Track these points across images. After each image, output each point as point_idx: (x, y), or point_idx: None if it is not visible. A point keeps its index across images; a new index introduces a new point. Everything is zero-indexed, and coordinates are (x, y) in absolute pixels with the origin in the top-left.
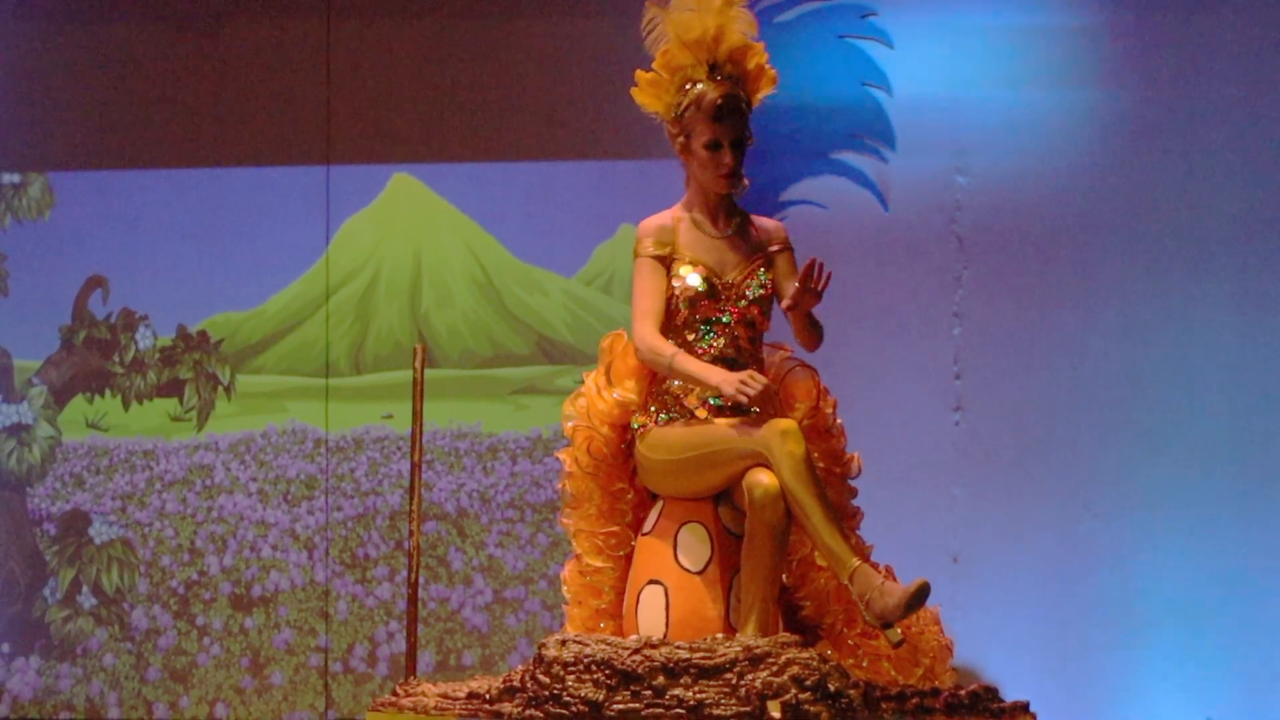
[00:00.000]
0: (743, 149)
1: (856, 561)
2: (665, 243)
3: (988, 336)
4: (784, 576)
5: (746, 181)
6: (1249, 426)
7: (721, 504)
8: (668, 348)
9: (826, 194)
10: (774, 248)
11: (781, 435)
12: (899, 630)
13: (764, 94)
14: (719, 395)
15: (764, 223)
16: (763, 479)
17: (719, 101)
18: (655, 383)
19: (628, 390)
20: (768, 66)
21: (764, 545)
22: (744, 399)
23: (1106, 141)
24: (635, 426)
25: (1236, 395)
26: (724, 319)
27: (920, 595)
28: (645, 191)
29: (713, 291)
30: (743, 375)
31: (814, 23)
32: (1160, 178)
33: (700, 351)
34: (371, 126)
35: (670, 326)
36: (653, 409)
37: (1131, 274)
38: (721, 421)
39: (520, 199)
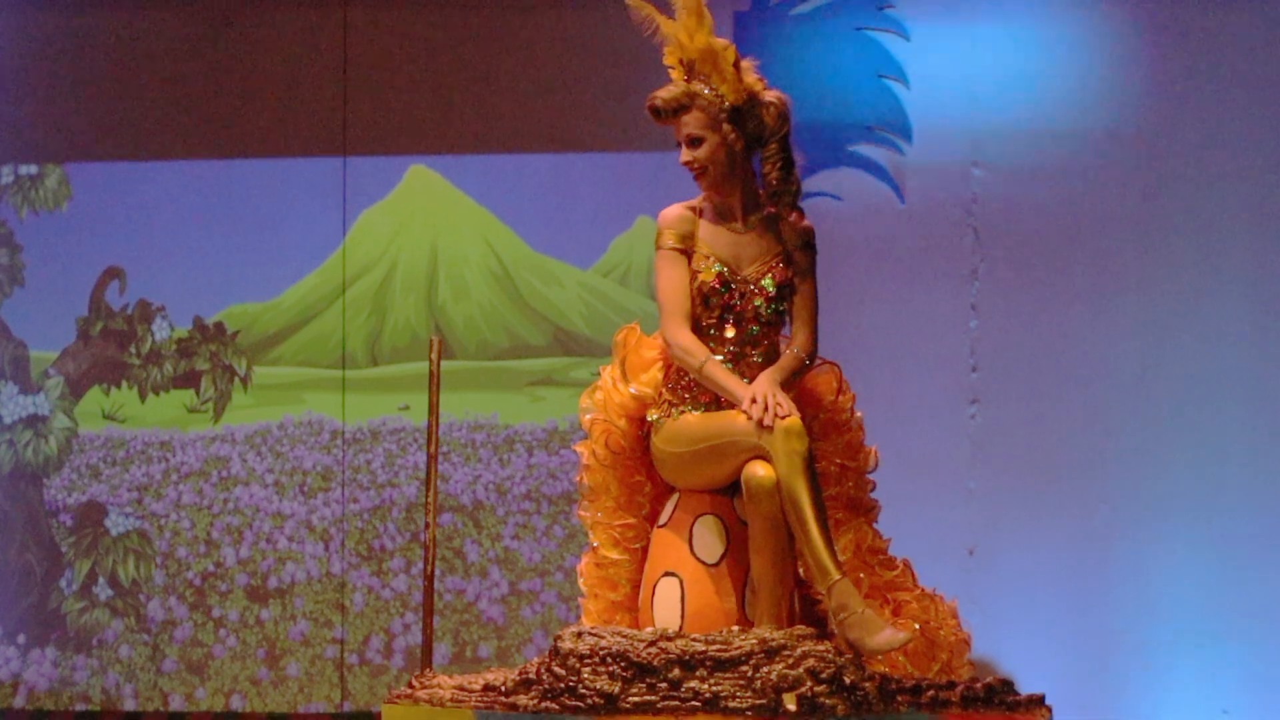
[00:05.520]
0: (701, 146)
1: (838, 575)
2: (685, 234)
3: (1004, 330)
4: (800, 570)
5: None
6: (1266, 419)
7: (736, 496)
8: (700, 351)
9: (842, 186)
10: (794, 245)
11: (785, 432)
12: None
13: (748, 88)
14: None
15: (792, 221)
16: (758, 470)
17: (652, 105)
18: (670, 376)
19: (643, 384)
20: (736, 64)
21: (766, 537)
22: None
23: (1123, 135)
24: (651, 419)
25: (1254, 388)
26: (740, 313)
27: (903, 646)
28: (662, 183)
29: (728, 286)
30: (767, 405)
31: (831, 15)
32: (1176, 172)
33: (715, 344)
34: (388, 118)
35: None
36: (667, 402)
37: (1148, 267)
38: (732, 414)
39: (537, 191)
